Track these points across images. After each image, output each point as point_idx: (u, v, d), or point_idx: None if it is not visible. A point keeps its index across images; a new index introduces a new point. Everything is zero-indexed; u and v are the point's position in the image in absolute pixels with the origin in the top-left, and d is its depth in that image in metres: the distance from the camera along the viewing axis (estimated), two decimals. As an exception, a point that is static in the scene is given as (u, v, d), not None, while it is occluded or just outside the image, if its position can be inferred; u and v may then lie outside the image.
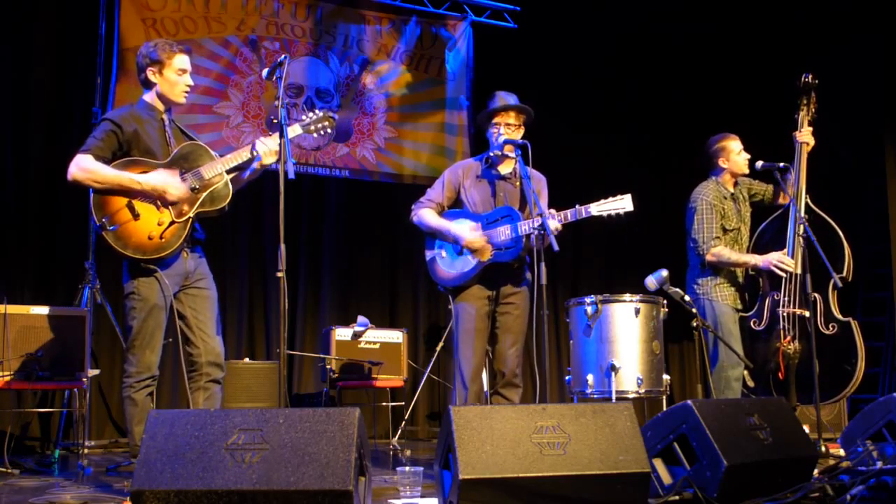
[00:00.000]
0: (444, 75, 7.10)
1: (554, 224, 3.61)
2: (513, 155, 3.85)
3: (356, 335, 5.52)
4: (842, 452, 3.66)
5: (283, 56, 3.23)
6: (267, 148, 3.43)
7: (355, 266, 6.61)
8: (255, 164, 3.47)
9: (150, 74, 3.44)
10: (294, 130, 3.50)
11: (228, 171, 3.47)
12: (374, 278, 6.68)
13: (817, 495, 2.72)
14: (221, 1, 6.33)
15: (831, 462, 3.53)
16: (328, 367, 5.37)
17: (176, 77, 3.44)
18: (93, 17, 5.66)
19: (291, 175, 3.09)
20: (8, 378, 4.20)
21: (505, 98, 3.96)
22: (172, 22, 6.13)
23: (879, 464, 2.97)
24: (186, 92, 3.50)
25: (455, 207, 4.04)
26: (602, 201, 3.75)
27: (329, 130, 3.58)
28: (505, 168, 3.99)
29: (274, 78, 3.23)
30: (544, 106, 6.96)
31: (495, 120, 3.93)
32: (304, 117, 3.56)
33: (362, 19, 6.86)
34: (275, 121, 3.22)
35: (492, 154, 3.96)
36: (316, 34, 6.68)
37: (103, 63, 5.60)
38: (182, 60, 3.46)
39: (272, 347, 6.09)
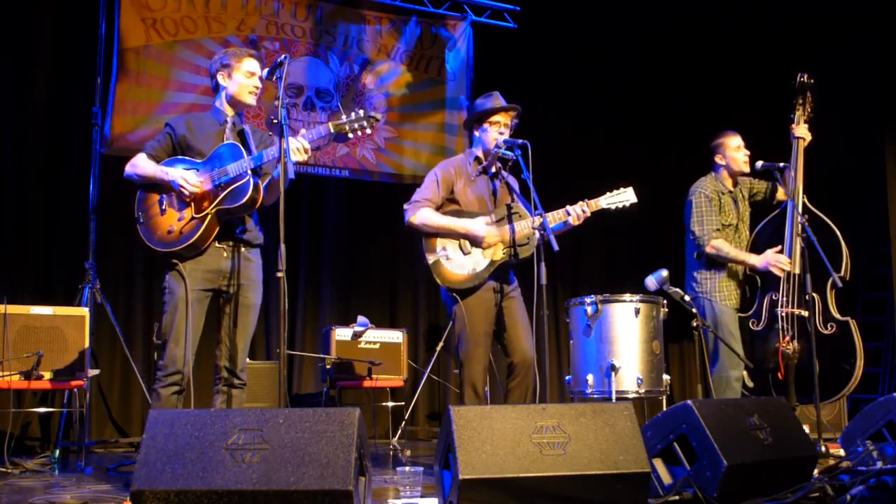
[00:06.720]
0: (444, 75, 7.10)
1: (576, 213, 3.75)
2: (512, 155, 3.81)
3: (356, 335, 5.52)
4: (842, 452, 3.66)
5: (283, 56, 3.23)
6: (295, 146, 3.39)
7: (355, 266, 6.61)
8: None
9: (221, 78, 3.53)
10: (327, 129, 3.38)
11: (255, 171, 3.43)
12: (374, 278, 6.68)
13: (817, 495, 2.72)
14: (221, 1, 6.32)
15: (831, 462, 3.53)
16: (328, 367, 5.37)
17: (244, 79, 3.53)
18: (93, 17, 5.65)
19: (291, 174, 3.08)
20: (8, 378, 4.21)
21: (501, 99, 3.93)
22: (172, 22, 6.13)
23: (879, 464, 2.98)
24: (253, 93, 3.58)
25: (446, 206, 3.91)
26: (608, 195, 3.85)
27: (369, 131, 3.52)
28: (493, 167, 3.95)
29: (274, 78, 3.24)
30: (544, 106, 7.03)
31: (495, 118, 3.86)
32: (343, 117, 3.40)
33: (362, 19, 6.86)
34: (275, 121, 3.21)
35: (486, 151, 3.91)
36: (316, 34, 6.68)
37: (103, 63, 5.59)
38: (251, 63, 3.55)
39: (272, 347, 6.08)
